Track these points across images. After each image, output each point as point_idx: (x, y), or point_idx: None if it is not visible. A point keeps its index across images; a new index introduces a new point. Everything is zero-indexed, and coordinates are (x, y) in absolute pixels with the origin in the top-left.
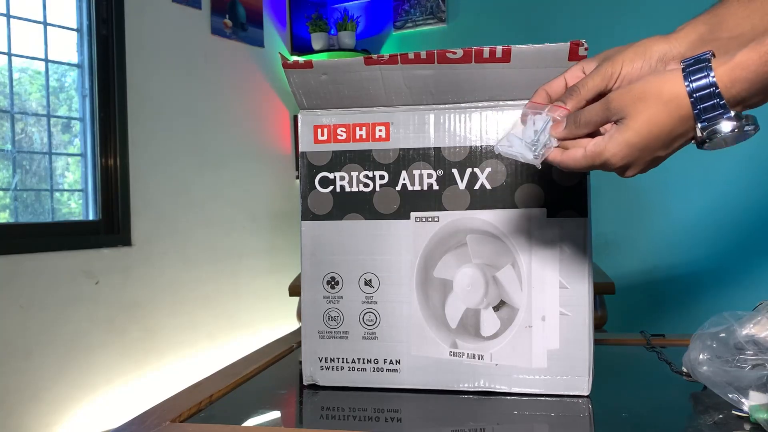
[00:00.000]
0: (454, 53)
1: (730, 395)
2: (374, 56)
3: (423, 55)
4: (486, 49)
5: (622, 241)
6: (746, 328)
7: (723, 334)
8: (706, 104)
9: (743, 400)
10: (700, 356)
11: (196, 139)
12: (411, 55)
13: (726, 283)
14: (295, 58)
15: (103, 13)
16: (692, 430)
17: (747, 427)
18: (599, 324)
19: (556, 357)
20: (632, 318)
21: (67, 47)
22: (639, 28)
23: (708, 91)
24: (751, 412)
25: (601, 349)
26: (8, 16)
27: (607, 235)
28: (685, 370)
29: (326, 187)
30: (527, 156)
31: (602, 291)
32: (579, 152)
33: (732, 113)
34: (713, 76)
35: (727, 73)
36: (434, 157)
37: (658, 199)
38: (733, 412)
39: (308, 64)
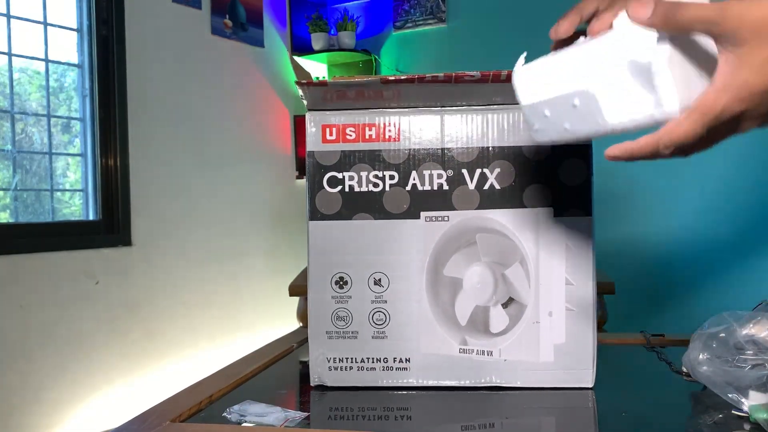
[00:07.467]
0: (472, 76)
1: (730, 395)
2: (392, 77)
3: (441, 76)
4: (504, 73)
5: (622, 241)
6: (746, 328)
7: (723, 334)
8: None
9: (743, 400)
10: (700, 356)
11: (196, 139)
12: (429, 77)
13: (726, 283)
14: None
15: (103, 13)
16: (692, 430)
17: (747, 427)
18: (599, 324)
19: (563, 351)
20: (632, 318)
21: (67, 47)
22: None
23: None
24: (750, 412)
25: (601, 349)
26: (8, 16)
27: (608, 234)
28: (685, 370)
29: (334, 186)
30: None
31: (602, 291)
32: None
33: None
34: None
35: None
36: (444, 157)
37: (657, 198)
38: (733, 412)
39: (323, 83)
